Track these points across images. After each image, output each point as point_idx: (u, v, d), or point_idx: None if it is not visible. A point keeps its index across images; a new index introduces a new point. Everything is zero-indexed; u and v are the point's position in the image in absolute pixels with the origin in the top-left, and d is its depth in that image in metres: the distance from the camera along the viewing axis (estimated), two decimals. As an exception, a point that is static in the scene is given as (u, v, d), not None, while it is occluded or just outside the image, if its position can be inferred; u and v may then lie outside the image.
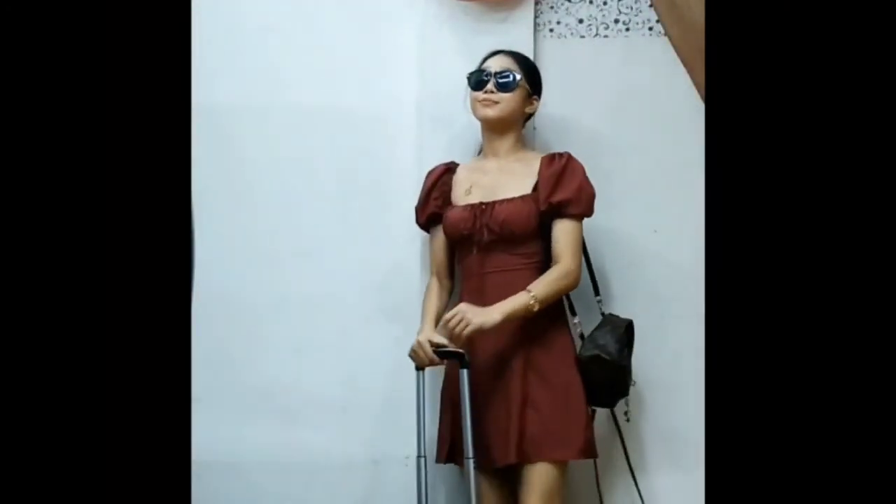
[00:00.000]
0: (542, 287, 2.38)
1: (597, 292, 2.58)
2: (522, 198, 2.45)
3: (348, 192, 2.76)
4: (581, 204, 2.44)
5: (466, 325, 2.31)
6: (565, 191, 2.42)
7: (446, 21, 2.75)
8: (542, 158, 2.50)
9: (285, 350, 2.72)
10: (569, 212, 2.43)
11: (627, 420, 2.53)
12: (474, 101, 2.54)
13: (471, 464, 2.35)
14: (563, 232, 2.43)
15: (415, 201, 2.65)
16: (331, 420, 2.70)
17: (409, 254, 2.72)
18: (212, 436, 2.56)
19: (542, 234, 2.45)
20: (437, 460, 2.52)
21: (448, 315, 2.36)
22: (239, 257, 2.73)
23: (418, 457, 2.46)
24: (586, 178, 2.46)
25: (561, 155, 2.49)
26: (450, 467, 2.57)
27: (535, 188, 2.46)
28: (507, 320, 2.35)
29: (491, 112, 2.51)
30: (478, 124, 2.61)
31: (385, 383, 2.68)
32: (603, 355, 2.42)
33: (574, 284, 2.47)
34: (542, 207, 2.43)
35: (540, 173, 2.46)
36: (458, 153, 2.68)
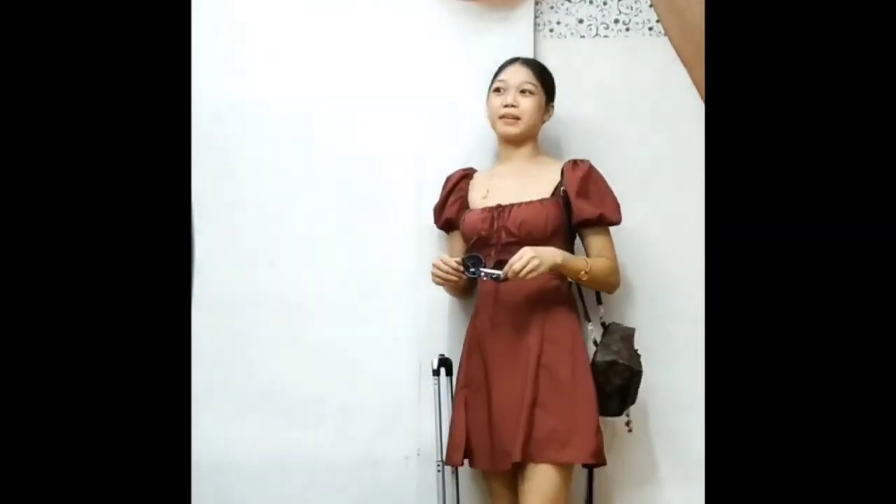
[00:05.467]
0: (596, 265, 2.44)
1: (599, 300, 2.59)
2: (541, 201, 2.46)
3: (348, 193, 2.75)
4: (616, 214, 2.49)
5: (539, 265, 2.31)
6: (602, 205, 2.47)
7: (446, 21, 2.75)
8: (565, 165, 2.51)
9: (285, 350, 2.72)
10: (605, 223, 2.48)
11: (629, 430, 2.52)
12: (495, 116, 2.55)
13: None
14: (605, 243, 2.49)
15: (414, 202, 2.68)
16: (331, 420, 2.70)
17: (408, 254, 2.72)
18: (212, 436, 2.57)
19: (559, 238, 2.45)
20: (452, 463, 2.50)
21: (514, 259, 2.33)
22: (239, 257, 2.73)
23: (438, 461, 2.50)
24: (609, 187, 2.50)
25: (581, 161, 2.51)
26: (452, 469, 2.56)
27: (554, 192, 2.47)
28: (562, 268, 2.39)
29: (513, 129, 2.52)
30: (479, 126, 2.62)
31: (385, 383, 2.68)
32: (620, 360, 2.44)
33: (615, 286, 2.54)
34: (577, 219, 2.45)
35: (566, 182, 2.47)
36: (458, 153, 2.68)
